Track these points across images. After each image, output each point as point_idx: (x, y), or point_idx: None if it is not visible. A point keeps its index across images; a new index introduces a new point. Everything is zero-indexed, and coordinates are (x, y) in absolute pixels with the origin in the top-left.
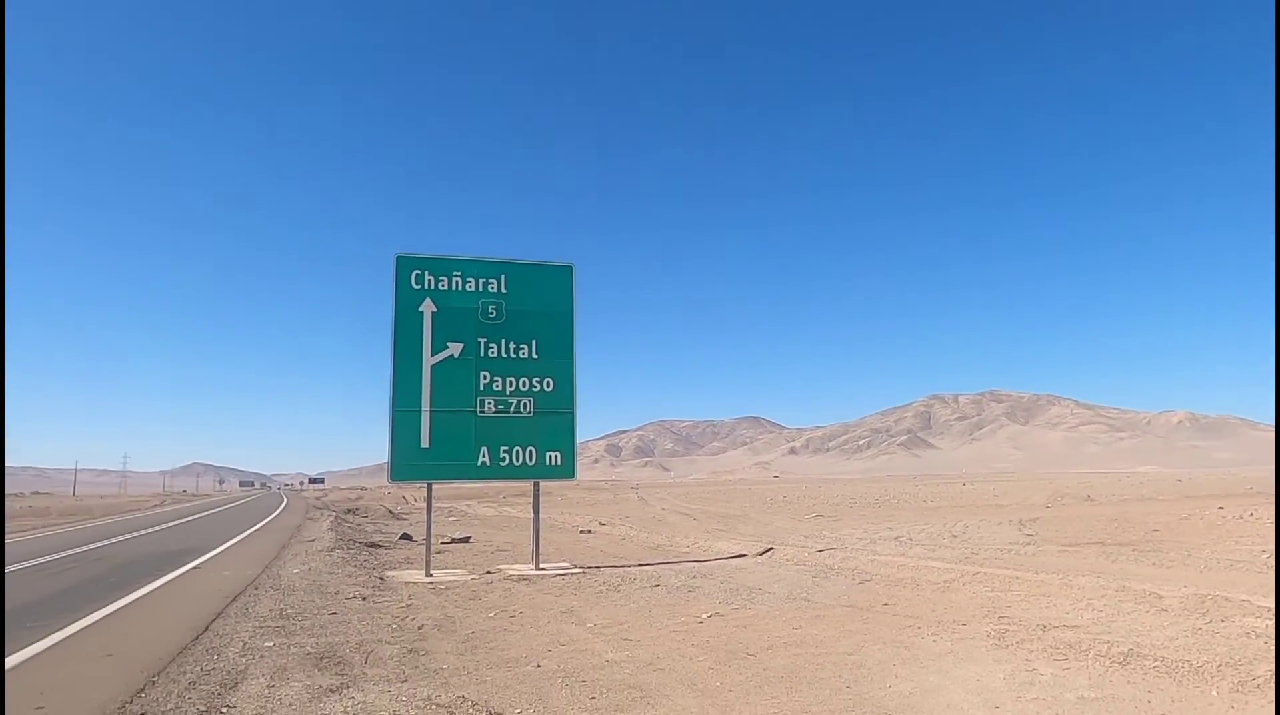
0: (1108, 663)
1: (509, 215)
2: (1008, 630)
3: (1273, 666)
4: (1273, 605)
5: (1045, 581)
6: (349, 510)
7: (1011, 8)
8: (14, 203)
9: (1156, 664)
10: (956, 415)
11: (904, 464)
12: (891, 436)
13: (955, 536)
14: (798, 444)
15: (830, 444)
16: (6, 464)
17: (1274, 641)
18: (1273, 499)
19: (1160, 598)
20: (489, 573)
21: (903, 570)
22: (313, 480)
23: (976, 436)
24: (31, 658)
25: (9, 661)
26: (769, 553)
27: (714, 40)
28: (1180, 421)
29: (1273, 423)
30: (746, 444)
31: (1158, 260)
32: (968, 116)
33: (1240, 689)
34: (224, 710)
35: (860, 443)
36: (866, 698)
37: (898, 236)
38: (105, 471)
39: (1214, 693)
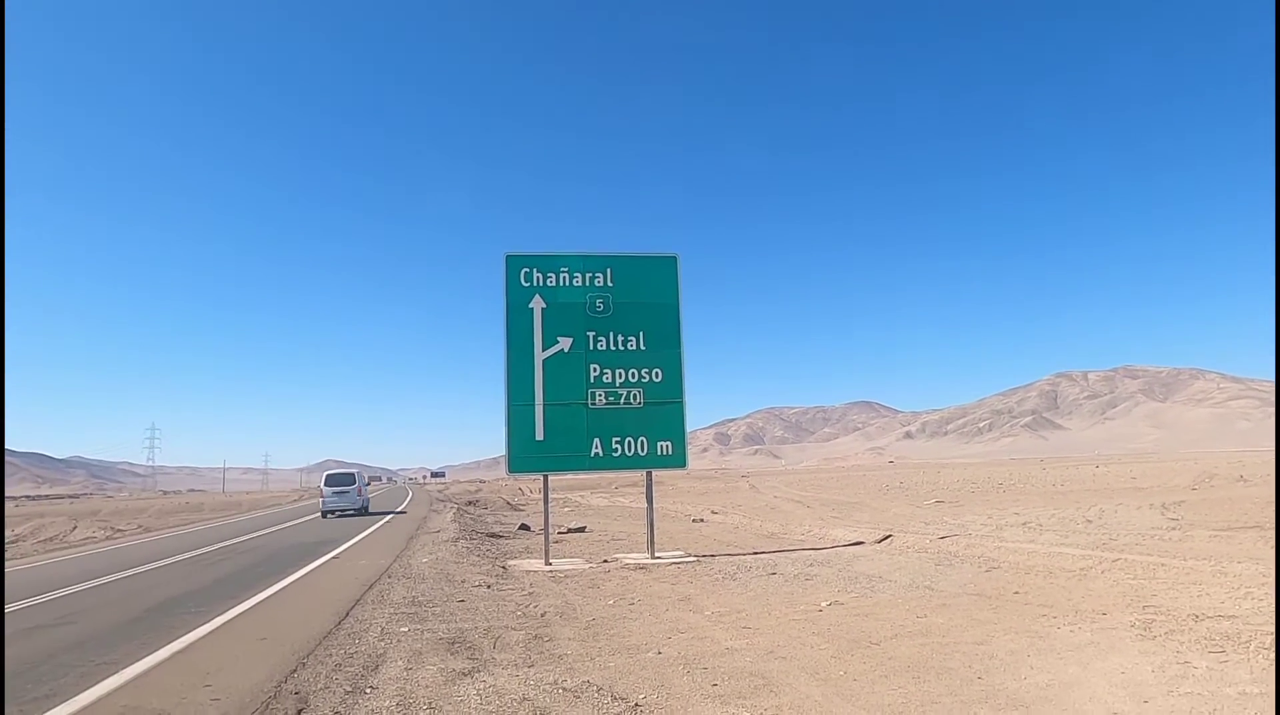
0: (1271, 655)
1: (614, 210)
2: (1154, 620)
3: None
4: None
5: (1195, 569)
6: (469, 502)
7: None
8: (177, 214)
9: None
10: (1086, 393)
11: (1029, 446)
12: (1014, 418)
13: (1090, 522)
14: (913, 428)
15: (948, 427)
16: (167, 463)
17: None
18: None
19: None
20: (606, 562)
21: (1033, 557)
22: (434, 474)
23: (1109, 415)
24: (195, 641)
25: (178, 644)
26: (888, 540)
27: (814, 34)
28: None
29: None
30: (859, 429)
31: None
32: (1079, 95)
33: None
34: (367, 690)
35: (980, 425)
36: (999, 689)
37: (1013, 208)
38: (249, 469)
39: None
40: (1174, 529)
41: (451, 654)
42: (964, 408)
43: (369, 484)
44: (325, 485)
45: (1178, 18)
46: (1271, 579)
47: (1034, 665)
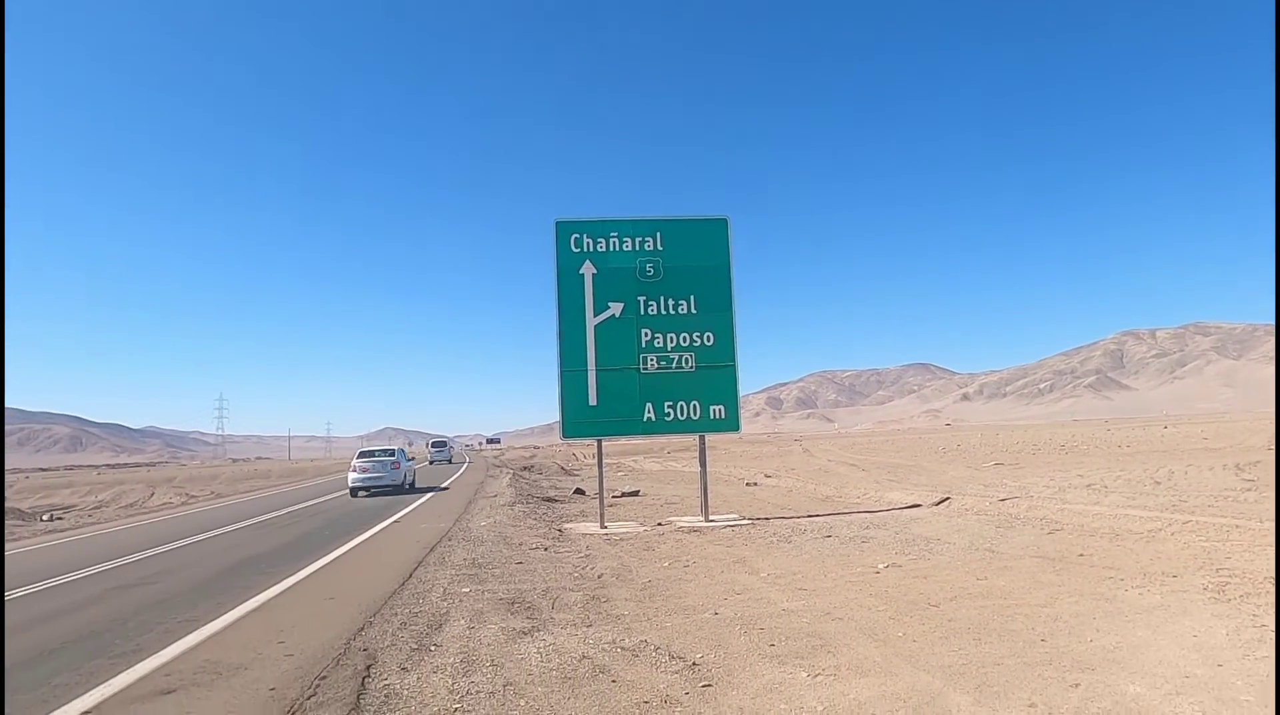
0: None
1: (670, 173)
2: (1228, 583)
3: None
4: None
5: (1271, 531)
6: (524, 467)
7: None
8: (241, 190)
9: None
10: (1154, 352)
11: (1093, 407)
12: (1077, 378)
13: (1158, 483)
14: (970, 390)
15: (1007, 389)
16: (235, 432)
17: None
18: None
19: None
20: (660, 525)
21: (1098, 519)
22: (490, 440)
23: (1179, 374)
24: (268, 601)
25: (252, 603)
26: (945, 503)
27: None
28: None
29: None
30: (914, 392)
31: None
32: (1139, 48)
33: None
34: (432, 648)
35: (1041, 386)
36: (1065, 651)
37: (1075, 162)
38: (313, 437)
39: None
40: (1249, 490)
41: (511, 614)
42: (1024, 368)
43: (413, 459)
44: (431, 448)
45: None
46: None
47: (1100, 628)
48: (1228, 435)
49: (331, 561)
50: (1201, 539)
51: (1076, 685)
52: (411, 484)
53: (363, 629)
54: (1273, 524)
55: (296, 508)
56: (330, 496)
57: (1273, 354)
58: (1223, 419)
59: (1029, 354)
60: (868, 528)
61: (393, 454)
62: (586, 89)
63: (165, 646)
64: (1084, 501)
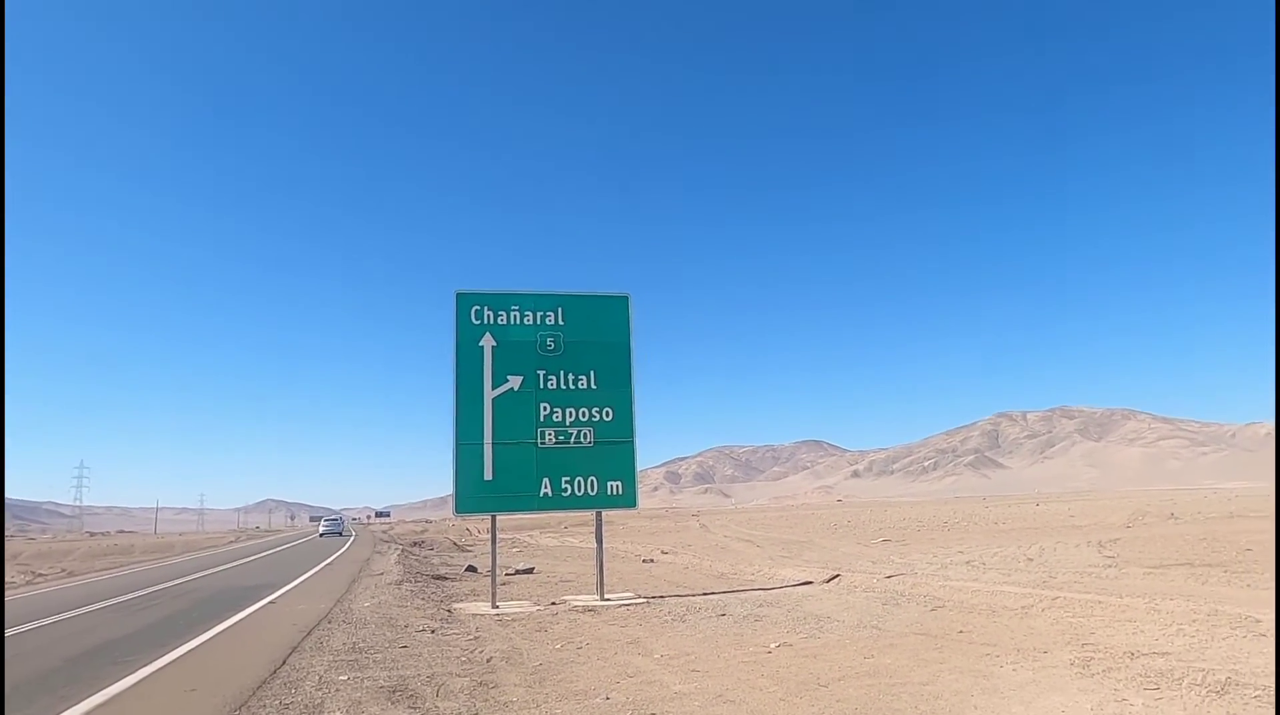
0: (1204, 692)
1: (566, 247)
2: (1093, 658)
3: None
4: None
5: (1130, 606)
6: (415, 543)
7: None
8: (106, 239)
9: (1258, 693)
10: (1026, 433)
11: (972, 485)
12: (958, 457)
13: (1031, 560)
14: (860, 467)
15: (894, 466)
16: (96, 503)
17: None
18: None
19: (1258, 622)
20: (554, 604)
21: (977, 596)
22: (379, 514)
23: (1048, 455)
24: (118, 694)
25: (99, 697)
26: (836, 580)
27: (771, 71)
28: (1268, 433)
29: None
30: (808, 468)
31: (1235, 263)
32: (1021, 136)
33: None
34: None
35: (926, 464)
36: None
37: (951, 253)
38: (184, 509)
39: None
40: (1110, 566)
41: (392, 703)
42: (910, 447)
43: (340, 519)
44: (323, 522)
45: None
46: (1203, 616)
47: (978, 705)
48: (1091, 513)
49: (195, 648)
50: (1069, 615)
51: None
52: (343, 532)
53: None
54: (1130, 599)
55: (160, 587)
56: (200, 574)
57: (1130, 436)
58: (1086, 497)
59: (914, 433)
60: (761, 606)
61: (338, 516)
62: (485, 157)
63: None
64: (964, 578)
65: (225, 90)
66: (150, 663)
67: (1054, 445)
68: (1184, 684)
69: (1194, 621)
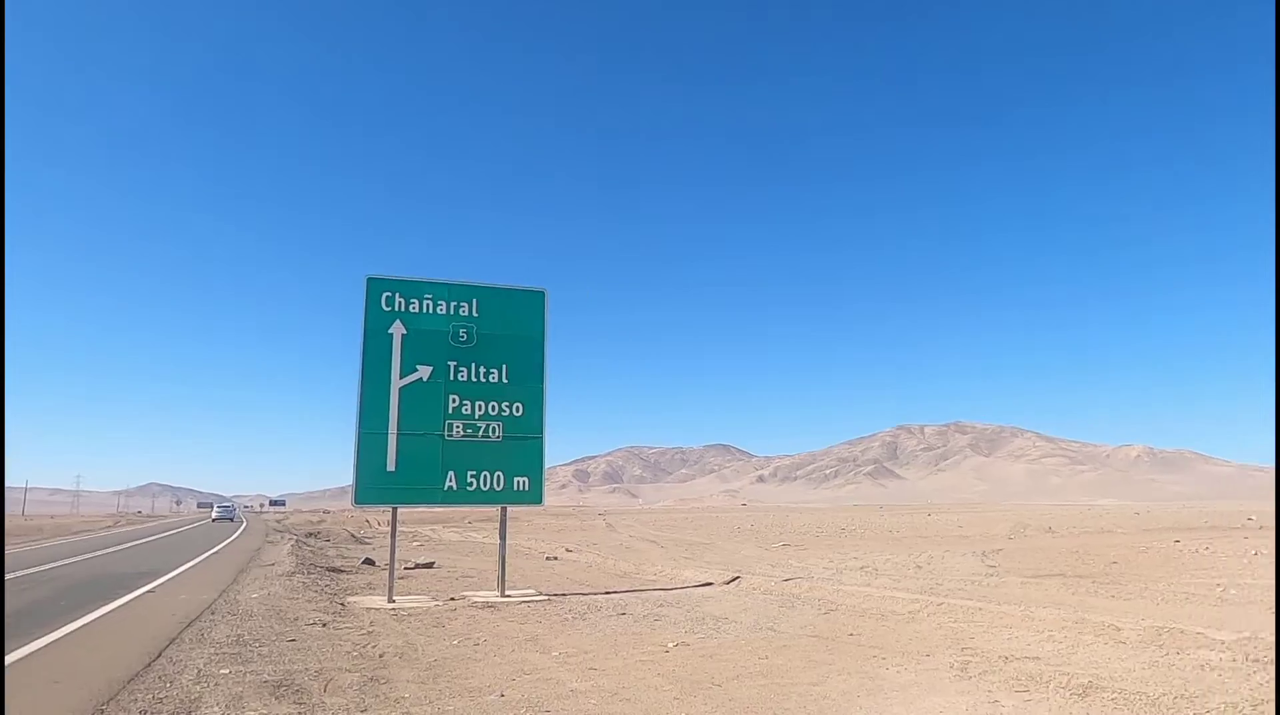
0: (1067, 694)
1: (481, 239)
2: (971, 661)
3: (1227, 700)
4: (1227, 638)
5: (1007, 613)
6: (310, 534)
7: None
8: None
9: (1115, 696)
10: (923, 446)
11: (870, 494)
12: (858, 466)
13: (920, 567)
14: (766, 472)
15: (798, 473)
16: None
17: (1233, 673)
18: (1229, 533)
19: (1119, 630)
20: (453, 599)
21: (868, 601)
22: (273, 502)
23: (942, 467)
24: None
25: None
26: (736, 581)
27: (684, 67)
28: (1138, 455)
29: (1230, 458)
30: (715, 471)
31: (1119, 297)
32: (927, 152)
33: None
34: None
35: (828, 472)
36: None
37: (866, 269)
38: (58, 491)
39: None
40: (992, 575)
41: (276, 698)
42: (814, 455)
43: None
44: (216, 507)
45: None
46: (1070, 624)
47: (863, 705)
48: (977, 525)
49: (62, 638)
50: (952, 620)
51: None
52: (235, 517)
53: None
54: (1008, 607)
55: (23, 573)
56: (71, 560)
57: (1016, 453)
58: (975, 509)
59: (819, 441)
60: (662, 606)
61: (231, 504)
62: (397, 145)
63: None
64: (857, 583)
65: (90, 52)
66: (9, 653)
67: (948, 458)
68: (1051, 686)
69: (1063, 628)
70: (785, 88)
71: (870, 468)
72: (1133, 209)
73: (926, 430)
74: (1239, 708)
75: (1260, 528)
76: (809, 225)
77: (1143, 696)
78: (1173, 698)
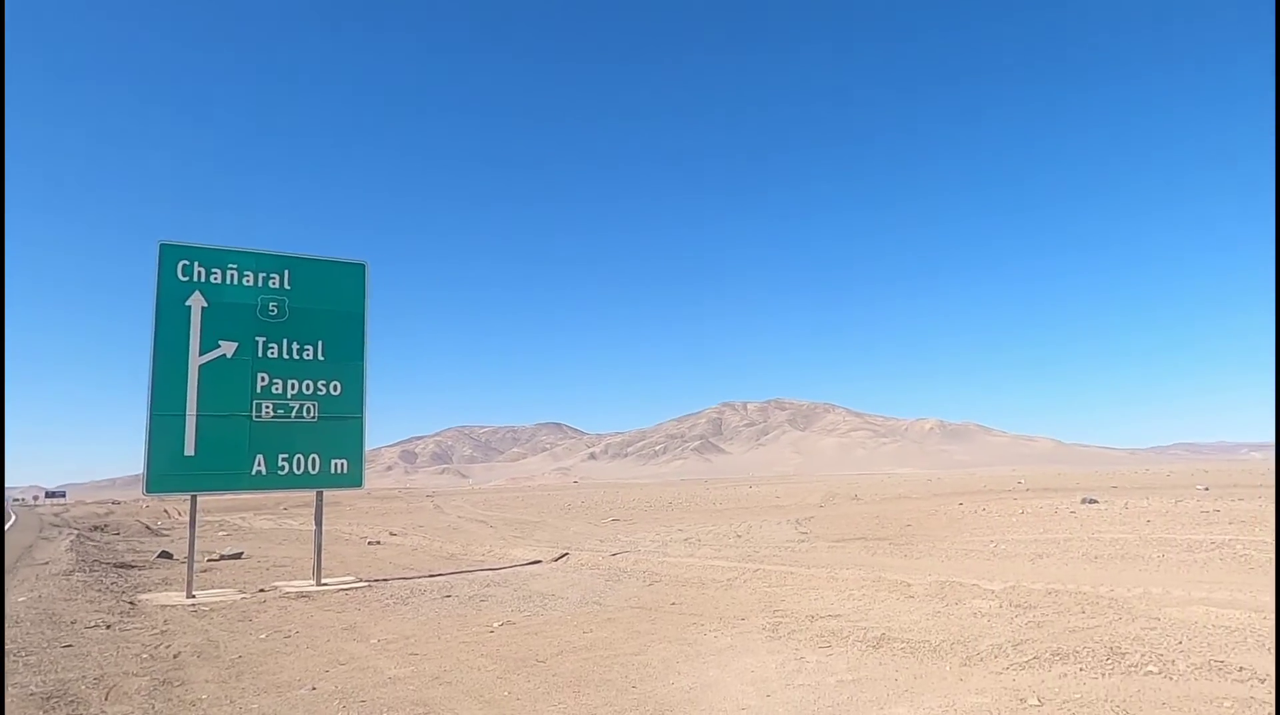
0: (864, 647)
1: (296, 212)
2: (781, 623)
3: (994, 642)
4: (996, 587)
5: (815, 576)
6: (96, 527)
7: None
8: None
9: (903, 645)
10: (745, 422)
11: (697, 468)
12: (686, 442)
13: (739, 536)
14: (597, 450)
15: (629, 450)
16: None
17: (999, 619)
18: (1002, 496)
19: (909, 586)
20: (263, 591)
21: (690, 570)
22: (50, 494)
23: (762, 442)
24: None
25: None
26: (564, 558)
27: (509, 45)
28: (931, 428)
29: (1006, 430)
30: (547, 450)
31: (921, 276)
32: (759, 132)
33: (968, 663)
34: None
35: (657, 448)
36: (650, 696)
37: (691, 247)
38: None
39: (947, 667)
40: (803, 541)
41: (45, 712)
42: (643, 432)
43: None
44: None
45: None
46: (869, 583)
47: (682, 671)
48: (793, 495)
49: None
50: (766, 585)
51: None
52: None
53: None
54: (815, 570)
55: None
56: None
57: (829, 427)
58: (791, 481)
59: (648, 418)
60: (488, 586)
61: None
62: (209, 111)
63: None
64: (681, 554)
65: None
66: None
67: (768, 433)
68: (849, 641)
69: (862, 587)
70: (592, 65)
71: (697, 443)
72: (920, 196)
73: (749, 407)
74: (1002, 647)
75: (1028, 490)
76: (635, 203)
77: (926, 644)
78: (951, 643)
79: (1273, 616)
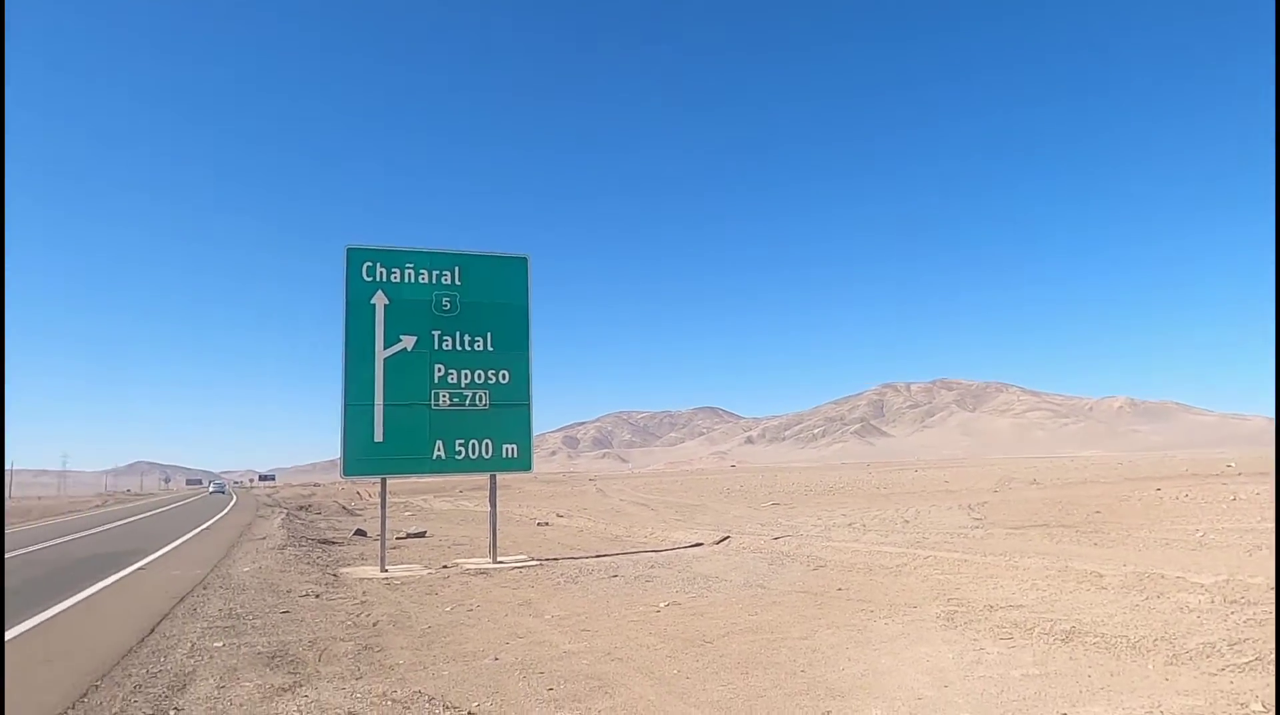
0: (1051, 640)
1: (463, 210)
2: (956, 611)
3: (1205, 640)
4: (1205, 581)
5: (992, 564)
6: (301, 507)
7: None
8: None
9: (1096, 640)
10: (908, 403)
11: (857, 451)
12: (845, 425)
13: (907, 522)
14: (754, 433)
15: (786, 433)
16: None
17: (1210, 614)
18: (1208, 480)
19: (1100, 577)
20: (445, 567)
21: (856, 556)
22: (263, 477)
23: (928, 424)
24: None
25: None
26: (726, 541)
27: (669, 41)
28: (1121, 407)
29: (1210, 407)
30: (703, 434)
31: (1102, 248)
32: (915, 112)
33: (1174, 661)
34: (171, 713)
35: (815, 431)
36: (820, 680)
37: (849, 227)
38: (43, 472)
39: (1150, 666)
40: (977, 528)
41: (271, 669)
42: (800, 415)
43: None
44: (212, 484)
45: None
46: (1054, 572)
47: (852, 657)
48: (963, 479)
49: (53, 618)
50: (938, 572)
51: (828, 712)
52: (226, 491)
53: (86, 695)
54: (992, 558)
55: (11, 555)
56: (60, 540)
57: (1001, 408)
58: (960, 465)
59: (805, 401)
60: (653, 567)
61: (222, 480)
62: (383, 123)
63: None
64: (846, 539)
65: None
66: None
67: (934, 415)
68: (1034, 633)
69: (1046, 577)
70: (785, 66)
71: (857, 426)
72: (1114, 161)
73: (912, 388)
74: (1216, 646)
75: (1239, 474)
76: (793, 187)
77: (1124, 640)
78: (1153, 639)
79: None
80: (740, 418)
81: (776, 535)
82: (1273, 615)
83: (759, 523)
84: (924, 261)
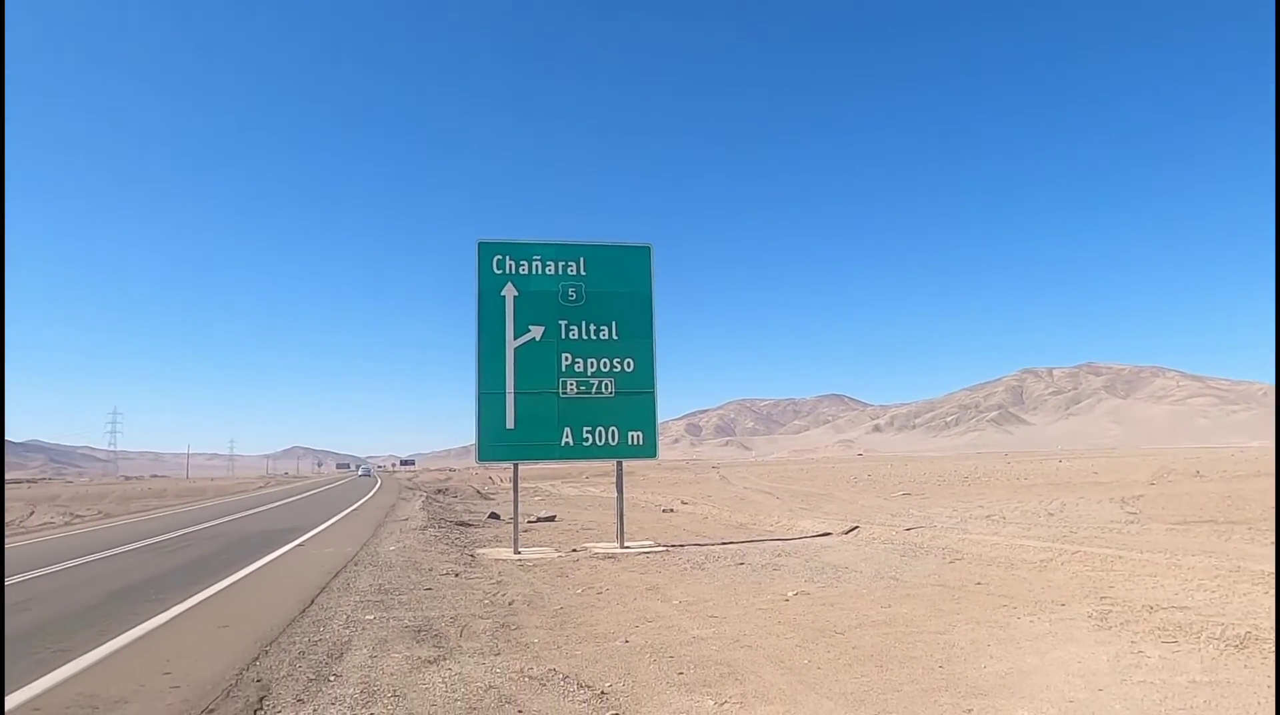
0: (1222, 646)
1: (589, 197)
2: (1110, 611)
3: None
4: None
5: (1151, 561)
6: (439, 490)
7: None
8: (140, 198)
9: (1275, 648)
10: (1051, 389)
11: (994, 441)
12: (981, 412)
13: (1051, 515)
14: (882, 421)
15: (916, 421)
16: (129, 448)
17: None
18: None
19: None
20: (575, 551)
21: (996, 549)
22: (404, 462)
23: (1073, 411)
24: (155, 628)
25: (137, 631)
26: (854, 531)
27: (806, 20)
28: None
29: None
30: (829, 422)
31: (1264, 221)
32: (1051, 88)
33: None
34: (331, 678)
35: (948, 419)
36: (960, 677)
37: (983, 206)
38: (214, 455)
39: None
40: (1132, 522)
41: (417, 642)
42: (932, 402)
43: (356, 469)
44: (361, 468)
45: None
46: (1225, 572)
47: (994, 654)
48: (1115, 470)
49: (227, 587)
50: (1088, 569)
51: (969, 711)
52: (371, 474)
53: (257, 659)
54: (1151, 555)
55: (193, 529)
56: (230, 517)
57: (1157, 394)
58: (1111, 455)
59: (937, 388)
60: (779, 555)
61: (369, 467)
62: (510, 111)
63: (35, 679)
64: (983, 532)
65: (249, 53)
66: (185, 600)
67: (1079, 402)
68: (1202, 637)
69: (1215, 577)
70: (880, 31)
71: (994, 414)
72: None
73: (1055, 373)
74: None
75: None
76: (923, 167)
77: None
78: None
79: None
80: (867, 405)
81: (908, 526)
82: None
83: (889, 513)
84: (1068, 239)
